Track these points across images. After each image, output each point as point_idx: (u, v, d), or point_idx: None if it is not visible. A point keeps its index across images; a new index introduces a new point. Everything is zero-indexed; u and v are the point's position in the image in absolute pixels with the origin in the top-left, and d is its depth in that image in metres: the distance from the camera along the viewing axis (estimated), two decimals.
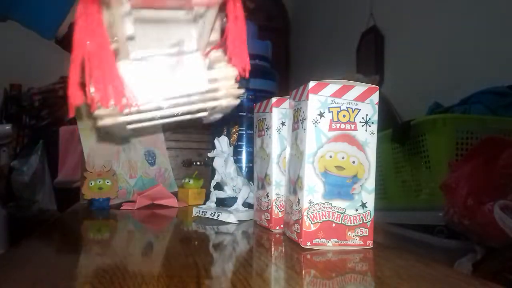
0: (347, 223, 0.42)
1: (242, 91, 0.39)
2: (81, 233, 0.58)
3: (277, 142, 0.51)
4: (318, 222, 0.41)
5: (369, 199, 0.42)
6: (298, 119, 0.44)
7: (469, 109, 1.08)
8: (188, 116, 0.40)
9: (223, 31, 0.35)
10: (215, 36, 0.37)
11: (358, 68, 2.08)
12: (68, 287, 0.31)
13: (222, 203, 0.65)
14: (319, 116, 0.42)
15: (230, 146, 0.64)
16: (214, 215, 0.60)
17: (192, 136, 0.92)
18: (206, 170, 0.90)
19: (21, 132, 2.41)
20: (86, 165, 0.76)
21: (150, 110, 0.37)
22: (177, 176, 0.88)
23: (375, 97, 0.43)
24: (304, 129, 0.42)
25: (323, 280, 0.32)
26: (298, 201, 0.42)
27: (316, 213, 0.41)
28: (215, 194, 0.65)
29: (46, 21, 0.61)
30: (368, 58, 2.01)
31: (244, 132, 0.76)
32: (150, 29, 0.36)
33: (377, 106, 0.43)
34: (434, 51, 1.58)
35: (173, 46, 0.37)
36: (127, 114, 0.35)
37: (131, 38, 0.33)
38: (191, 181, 0.79)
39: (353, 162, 0.42)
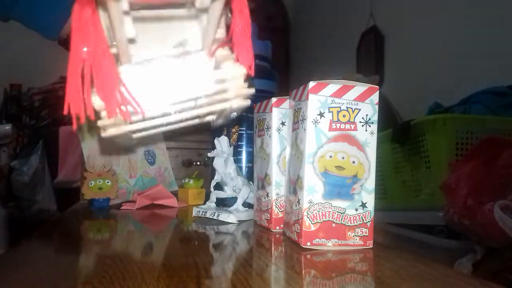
0: (347, 223, 0.42)
1: (252, 90, 0.37)
2: (81, 233, 0.58)
3: (277, 142, 0.51)
4: (318, 222, 0.41)
5: (369, 199, 0.42)
6: (298, 119, 0.44)
7: (469, 109, 1.08)
8: (196, 121, 0.39)
9: (228, 28, 0.34)
10: (221, 33, 0.35)
11: (358, 68, 2.08)
12: (68, 287, 0.31)
13: (222, 203, 0.65)
14: (319, 116, 0.42)
15: (230, 146, 0.64)
16: (214, 215, 0.60)
17: (192, 136, 0.92)
18: (206, 170, 0.90)
19: (21, 132, 2.41)
20: (86, 165, 0.76)
21: (156, 117, 0.35)
22: (177, 176, 0.88)
23: (375, 97, 0.43)
24: (304, 129, 0.42)
25: (323, 280, 0.32)
26: (298, 201, 0.42)
27: (316, 213, 0.41)
28: (215, 194, 0.65)
29: (49, 22, 0.61)
30: (368, 58, 2.01)
31: (244, 132, 0.76)
32: (151, 29, 0.34)
33: (377, 106, 0.43)
34: (434, 51, 1.58)
35: (177, 46, 0.35)
36: (132, 123, 0.34)
37: (131, 40, 0.32)
38: (191, 181, 0.79)
39: (353, 162, 0.42)
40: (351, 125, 0.42)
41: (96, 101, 0.31)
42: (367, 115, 0.42)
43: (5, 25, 0.65)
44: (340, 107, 0.42)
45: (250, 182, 0.65)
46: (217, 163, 0.63)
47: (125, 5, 0.30)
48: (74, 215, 0.72)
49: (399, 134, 1.10)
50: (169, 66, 0.34)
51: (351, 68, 2.10)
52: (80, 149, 0.79)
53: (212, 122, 0.41)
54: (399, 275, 0.33)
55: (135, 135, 0.36)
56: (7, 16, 0.61)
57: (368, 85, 0.43)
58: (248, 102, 0.37)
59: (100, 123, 0.32)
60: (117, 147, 0.81)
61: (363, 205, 0.42)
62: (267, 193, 0.52)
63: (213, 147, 0.64)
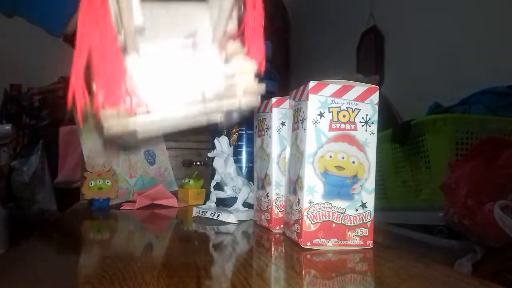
0: (347, 223, 0.42)
1: (263, 86, 0.35)
2: (81, 233, 0.58)
3: (277, 142, 0.51)
4: (318, 222, 0.41)
5: (369, 199, 0.42)
6: (298, 119, 0.44)
7: (469, 109, 1.08)
8: (204, 119, 0.38)
9: (239, 20, 0.33)
10: (232, 25, 0.34)
11: (358, 68, 2.08)
12: (68, 287, 0.31)
13: (222, 203, 0.65)
14: (319, 116, 0.42)
15: (230, 146, 0.64)
16: (214, 215, 0.60)
17: (192, 136, 0.92)
18: (206, 170, 0.90)
19: (21, 132, 2.41)
20: (86, 165, 0.76)
21: (162, 112, 0.33)
22: (177, 176, 0.88)
23: (375, 97, 0.43)
24: (304, 129, 0.42)
25: (323, 280, 0.32)
26: (298, 201, 0.42)
27: (316, 213, 0.41)
28: (215, 194, 0.65)
29: (54, 18, 0.61)
30: (368, 58, 2.01)
31: (244, 132, 0.76)
32: (160, 18, 0.33)
33: (377, 106, 0.43)
34: (434, 51, 1.58)
35: (186, 37, 0.33)
36: (137, 117, 0.32)
37: (140, 28, 0.31)
38: (191, 181, 0.79)
39: (353, 162, 0.42)
40: (351, 125, 0.42)
41: (101, 92, 0.30)
42: (367, 115, 0.42)
43: (5, 25, 0.65)
44: (340, 107, 0.42)
45: (250, 182, 0.65)
46: (217, 163, 0.63)
47: None
48: (74, 215, 0.72)
49: (399, 134, 1.10)
50: (177, 58, 0.33)
51: (351, 68, 2.10)
52: (80, 149, 0.79)
53: (220, 121, 0.39)
54: (399, 275, 0.33)
55: (140, 132, 0.34)
56: (12, 11, 0.61)
57: (368, 85, 0.43)
58: (258, 100, 0.36)
59: (103, 119, 0.31)
60: (117, 147, 0.81)
61: (363, 205, 0.42)
62: (267, 193, 0.52)
63: (213, 147, 0.64)
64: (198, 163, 0.92)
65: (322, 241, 0.42)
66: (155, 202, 0.76)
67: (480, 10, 1.38)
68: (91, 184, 0.74)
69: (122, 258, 0.40)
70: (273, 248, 0.45)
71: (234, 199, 0.63)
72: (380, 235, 0.45)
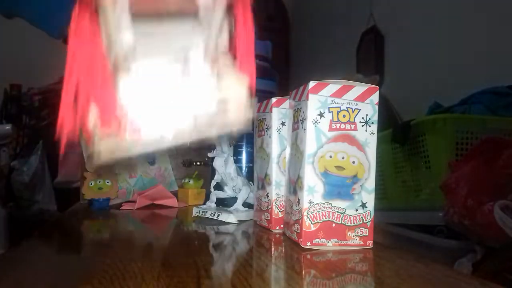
0: (347, 223, 0.42)
1: (252, 114, 0.35)
2: (81, 233, 0.58)
3: (277, 142, 0.51)
4: (318, 222, 0.41)
5: (369, 199, 0.42)
6: (298, 119, 0.44)
7: (469, 109, 1.08)
8: (197, 135, 0.37)
9: (230, 36, 0.33)
10: (223, 41, 0.34)
11: (358, 68, 2.08)
12: (68, 287, 0.31)
13: (222, 203, 0.65)
14: (319, 116, 0.42)
15: (230, 146, 0.64)
16: (214, 215, 0.60)
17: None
18: (206, 170, 0.90)
19: (21, 132, 2.41)
20: (86, 165, 0.76)
21: (154, 132, 0.33)
22: (177, 176, 0.88)
23: (375, 97, 0.43)
24: (304, 129, 0.42)
25: (323, 280, 0.32)
26: (298, 201, 0.42)
27: (316, 213, 0.41)
28: (215, 194, 0.65)
29: (53, 20, 0.61)
30: (368, 58, 2.01)
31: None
32: (151, 35, 0.32)
33: (377, 106, 0.43)
34: (434, 51, 1.58)
35: (178, 54, 0.33)
36: (129, 140, 0.31)
37: (131, 47, 0.31)
38: (191, 181, 0.79)
39: (353, 162, 0.42)
40: (351, 125, 0.42)
41: (92, 116, 0.29)
42: (367, 115, 0.42)
43: (6, 25, 0.65)
44: (340, 107, 0.42)
45: (250, 182, 0.65)
46: (217, 163, 0.63)
47: (125, 14, 0.29)
48: (74, 215, 0.72)
49: (399, 134, 1.10)
50: (168, 76, 0.33)
51: (351, 68, 2.10)
52: (80, 149, 0.79)
53: (214, 138, 0.39)
54: (399, 275, 0.33)
55: (132, 155, 0.34)
56: (12, 13, 0.61)
57: (368, 85, 0.43)
58: (249, 126, 0.35)
59: (95, 146, 0.30)
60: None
61: (363, 205, 0.42)
62: (267, 193, 0.52)
63: (213, 147, 0.64)
64: (198, 163, 0.92)
65: (322, 241, 0.42)
66: (155, 202, 0.76)
67: (480, 10, 1.38)
68: (91, 184, 0.74)
69: (122, 258, 0.40)
70: (273, 248, 0.45)
71: (234, 199, 0.63)
72: (380, 235, 0.45)
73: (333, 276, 0.33)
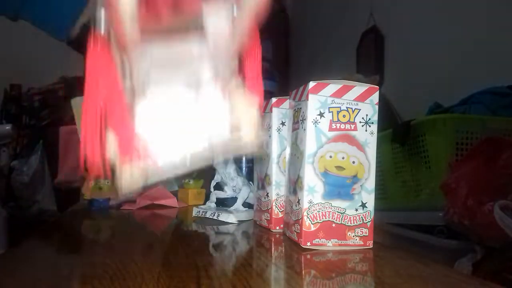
0: (347, 223, 0.42)
1: (265, 137, 0.35)
2: (81, 233, 0.58)
3: (277, 142, 0.51)
4: (318, 222, 0.41)
5: (369, 199, 0.42)
6: (298, 119, 0.44)
7: (469, 109, 1.08)
8: (211, 159, 0.35)
9: (240, 58, 0.33)
10: (233, 63, 0.34)
11: (358, 68, 2.08)
12: (68, 287, 0.31)
13: (222, 203, 0.65)
14: (319, 116, 0.42)
15: None
16: (214, 215, 0.60)
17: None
18: (206, 170, 0.90)
19: (21, 132, 2.41)
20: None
21: (169, 159, 0.33)
22: (177, 176, 0.88)
23: (375, 97, 0.43)
24: (304, 129, 0.42)
25: (323, 280, 0.32)
26: (298, 201, 0.42)
27: (316, 213, 0.41)
28: (215, 194, 0.65)
29: (57, 22, 0.61)
30: (368, 58, 2.01)
31: None
32: (163, 59, 0.33)
33: (377, 106, 0.43)
34: (434, 51, 1.58)
35: (189, 77, 0.33)
36: (146, 168, 0.32)
37: (145, 77, 0.31)
38: (191, 181, 0.79)
39: (353, 162, 0.42)
40: (351, 125, 0.42)
41: (111, 147, 0.29)
42: (367, 115, 0.42)
43: (5, 25, 0.65)
44: (340, 107, 0.42)
45: (250, 182, 0.65)
46: (217, 163, 0.63)
47: (137, 42, 0.29)
48: (74, 215, 0.72)
49: (399, 134, 1.10)
50: (181, 100, 0.33)
51: (351, 68, 2.10)
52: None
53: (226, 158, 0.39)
54: (399, 275, 0.33)
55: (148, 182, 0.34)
56: (16, 15, 0.61)
57: (368, 85, 0.43)
58: (260, 149, 0.36)
59: (118, 178, 0.31)
60: None
61: (363, 205, 0.42)
62: (267, 193, 0.52)
63: None
64: None
65: (322, 241, 0.42)
66: (155, 202, 0.76)
67: (480, 10, 1.38)
68: (91, 184, 0.74)
69: (122, 258, 0.40)
70: (273, 248, 0.45)
71: (234, 199, 0.63)
72: (380, 235, 0.45)
73: (333, 276, 0.33)
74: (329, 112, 0.42)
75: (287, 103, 0.51)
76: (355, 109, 0.42)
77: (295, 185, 0.44)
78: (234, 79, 0.34)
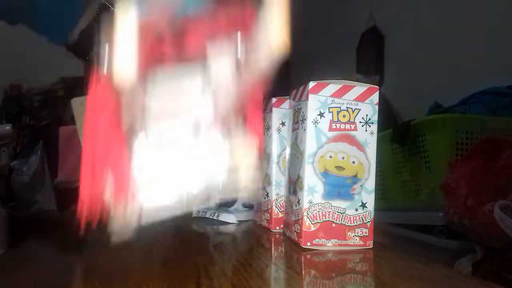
0: (347, 223, 0.42)
1: (259, 182, 0.35)
2: (81, 233, 0.58)
3: (277, 142, 0.51)
4: (318, 222, 0.41)
5: (369, 199, 0.42)
6: (298, 119, 0.44)
7: (469, 109, 1.08)
8: (206, 201, 0.36)
9: (240, 95, 0.33)
10: (233, 101, 0.34)
11: (358, 68, 2.08)
12: (68, 287, 0.31)
13: (222, 203, 0.65)
14: (319, 116, 0.42)
15: None
16: (214, 215, 0.60)
17: None
18: None
19: (21, 132, 2.41)
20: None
21: (166, 201, 0.33)
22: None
23: (375, 97, 0.43)
24: (304, 129, 0.42)
25: (323, 280, 0.32)
26: (298, 201, 0.42)
27: (316, 213, 0.41)
28: None
29: (57, 28, 0.61)
30: (368, 58, 2.01)
31: None
32: (163, 97, 0.32)
33: (377, 106, 0.43)
34: (434, 51, 1.58)
35: (189, 115, 0.33)
36: (140, 210, 0.32)
37: (144, 115, 0.31)
38: None
39: (353, 162, 0.42)
40: (351, 125, 0.42)
41: (108, 191, 0.30)
42: (367, 115, 0.42)
43: (6, 25, 0.66)
44: (340, 107, 0.42)
45: None
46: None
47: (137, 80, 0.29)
48: (74, 215, 0.72)
49: (399, 134, 1.10)
50: (180, 139, 0.33)
51: (351, 68, 2.10)
52: (80, 149, 0.79)
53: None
54: (399, 275, 0.33)
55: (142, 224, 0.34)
56: (16, 21, 0.62)
57: (368, 85, 0.43)
58: (255, 197, 0.36)
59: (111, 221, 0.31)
60: None
61: (363, 205, 0.42)
62: (267, 193, 0.52)
63: None
64: None
65: (322, 241, 0.42)
66: None
67: (480, 10, 1.38)
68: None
69: (122, 258, 0.40)
70: (273, 248, 0.45)
71: (234, 199, 0.63)
72: (380, 235, 0.45)
73: (333, 276, 0.33)
74: (329, 112, 0.42)
75: (287, 103, 0.51)
76: (355, 109, 0.42)
77: (295, 185, 0.44)
78: (234, 119, 0.34)
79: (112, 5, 0.28)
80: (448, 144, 0.98)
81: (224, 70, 0.31)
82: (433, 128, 1.02)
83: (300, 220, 0.42)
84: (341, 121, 0.42)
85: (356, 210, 0.42)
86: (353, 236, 0.42)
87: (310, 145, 0.42)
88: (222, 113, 0.33)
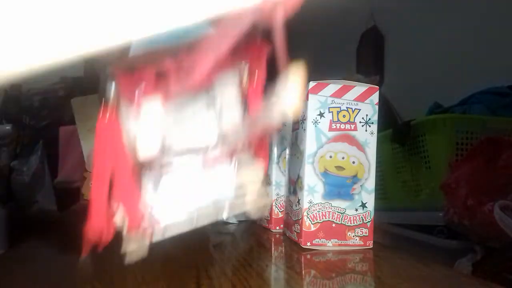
0: (347, 223, 0.42)
1: (269, 201, 0.35)
2: (81, 233, 0.58)
3: (277, 142, 0.51)
4: (318, 222, 0.41)
5: (369, 199, 0.42)
6: (298, 119, 0.44)
7: (469, 109, 1.08)
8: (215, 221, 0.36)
9: (246, 128, 0.32)
10: (241, 134, 0.33)
11: (358, 68, 2.08)
12: (68, 287, 0.31)
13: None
14: (319, 116, 0.42)
15: None
16: None
17: None
18: None
19: (21, 132, 2.41)
20: (86, 165, 0.76)
21: (175, 226, 0.34)
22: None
23: (375, 97, 0.43)
24: (304, 129, 0.42)
25: (323, 280, 0.32)
26: (298, 201, 0.42)
27: (316, 213, 0.41)
28: None
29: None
30: (368, 58, 2.01)
31: None
32: (171, 127, 0.32)
33: (377, 106, 0.43)
34: (434, 51, 1.58)
35: (197, 145, 0.33)
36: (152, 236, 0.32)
37: (152, 143, 0.31)
38: None
39: (353, 162, 0.42)
40: (351, 125, 0.42)
41: (119, 218, 0.30)
42: (367, 115, 0.42)
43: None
44: (340, 107, 0.42)
45: None
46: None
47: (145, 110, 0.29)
48: (74, 215, 0.72)
49: (399, 134, 1.10)
50: (189, 169, 0.33)
51: (351, 68, 2.10)
52: (80, 149, 0.79)
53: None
54: (399, 275, 0.33)
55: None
56: None
57: (368, 85, 0.43)
58: (265, 212, 0.36)
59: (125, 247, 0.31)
60: None
61: (363, 205, 0.42)
62: (267, 193, 0.52)
63: None
64: None
65: (322, 241, 0.42)
66: None
67: (480, 10, 1.38)
68: (91, 184, 0.74)
69: (122, 258, 0.40)
70: (273, 248, 0.45)
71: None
72: (380, 235, 0.45)
73: (333, 276, 0.33)
74: (329, 112, 0.42)
75: None
76: (355, 109, 0.42)
77: (295, 185, 0.44)
78: (240, 145, 0.33)
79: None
80: (448, 144, 0.98)
81: (232, 102, 0.31)
82: (433, 128, 1.02)
83: (300, 220, 0.42)
84: (341, 121, 0.42)
85: (356, 210, 0.42)
86: (353, 236, 0.42)
87: (310, 145, 0.42)
88: (228, 140, 0.33)
